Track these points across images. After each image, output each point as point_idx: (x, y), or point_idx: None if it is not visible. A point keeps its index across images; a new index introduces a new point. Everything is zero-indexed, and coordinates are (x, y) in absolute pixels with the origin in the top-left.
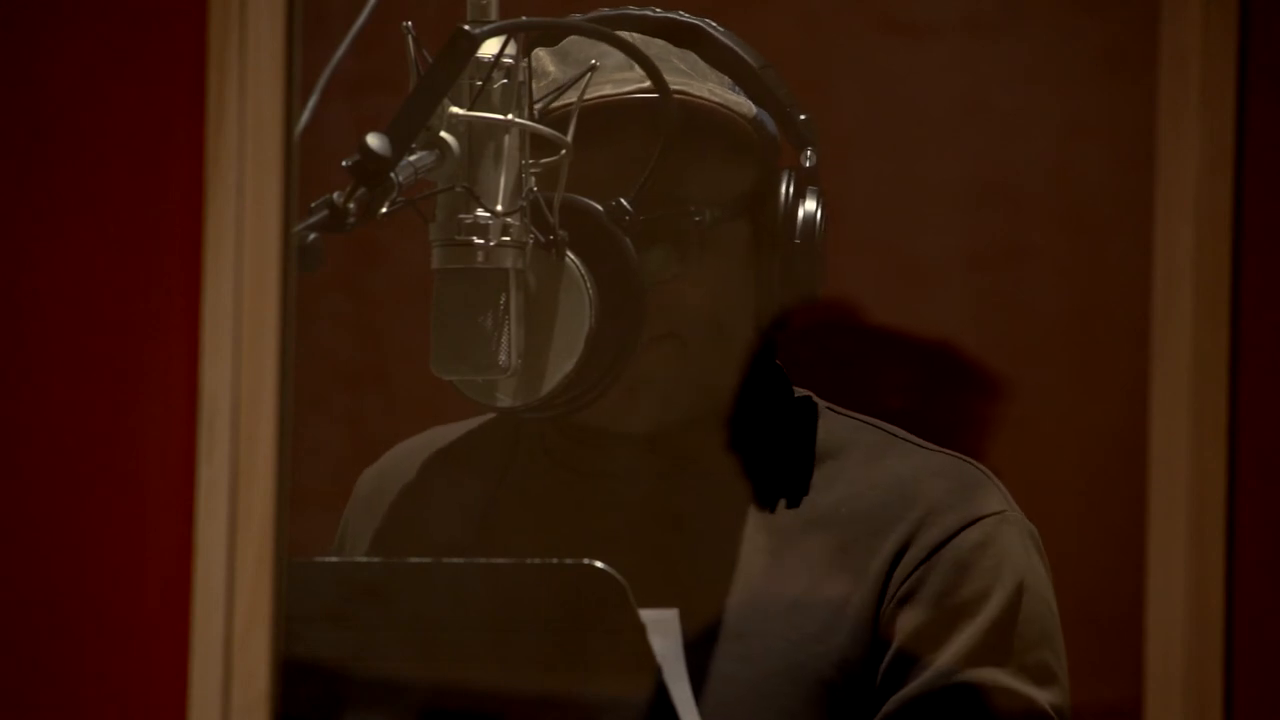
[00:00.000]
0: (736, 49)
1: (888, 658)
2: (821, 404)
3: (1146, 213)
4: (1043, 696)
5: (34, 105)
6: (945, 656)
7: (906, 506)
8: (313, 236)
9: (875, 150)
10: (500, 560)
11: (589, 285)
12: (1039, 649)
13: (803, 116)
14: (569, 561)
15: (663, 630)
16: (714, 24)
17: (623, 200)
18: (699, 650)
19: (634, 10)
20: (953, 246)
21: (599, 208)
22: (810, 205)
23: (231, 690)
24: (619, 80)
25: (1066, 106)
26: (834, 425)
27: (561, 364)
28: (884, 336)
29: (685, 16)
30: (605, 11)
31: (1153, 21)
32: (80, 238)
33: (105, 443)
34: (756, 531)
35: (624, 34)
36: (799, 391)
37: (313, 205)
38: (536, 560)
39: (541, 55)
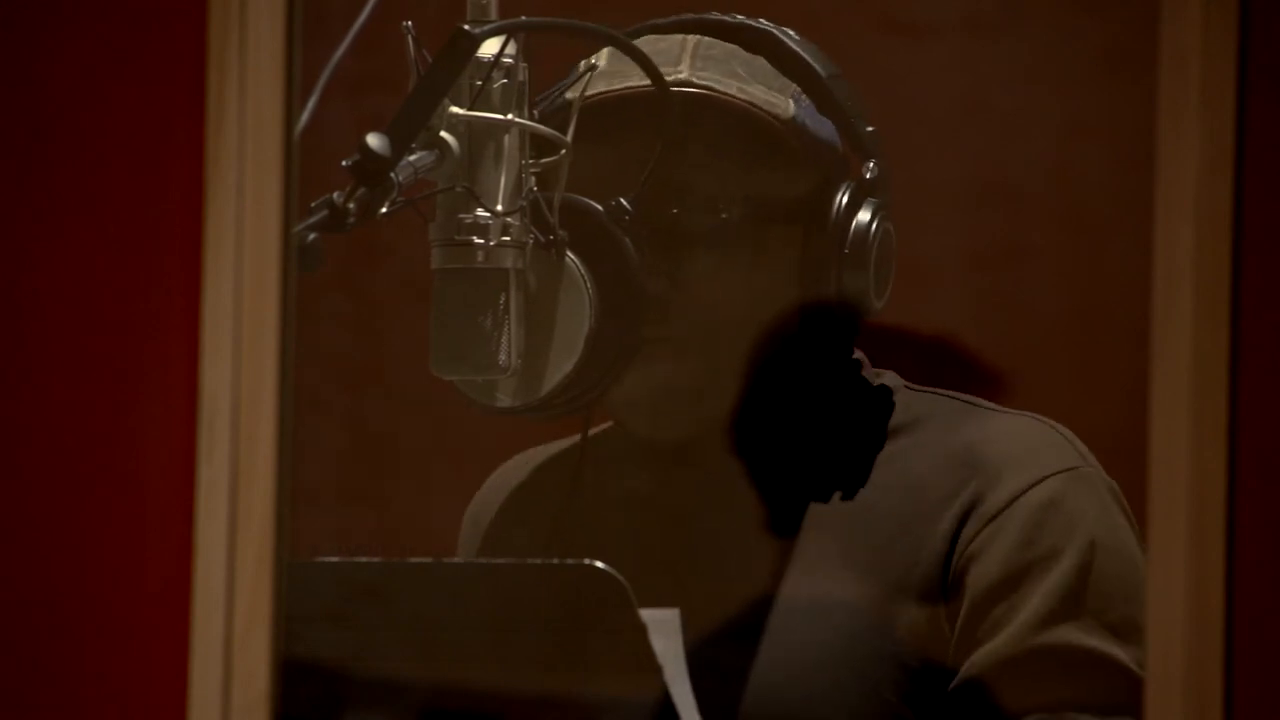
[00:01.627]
0: (806, 56)
1: (960, 618)
2: (900, 383)
3: (1146, 213)
4: (1125, 653)
5: (34, 105)
6: (1021, 617)
7: (975, 469)
8: (312, 236)
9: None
10: (500, 560)
11: (589, 285)
12: (1120, 605)
13: (869, 129)
14: (569, 561)
15: (663, 630)
16: (790, 31)
17: (623, 200)
18: (773, 629)
19: (713, 16)
20: (953, 246)
21: (599, 208)
22: (865, 216)
23: (231, 690)
24: (637, 77)
25: (1066, 106)
26: (910, 401)
27: (561, 364)
28: (884, 336)
29: (761, 23)
30: (687, 16)
31: (1153, 21)
32: (80, 238)
33: (105, 443)
34: (818, 509)
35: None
36: (882, 377)
37: (313, 205)
38: (536, 560)
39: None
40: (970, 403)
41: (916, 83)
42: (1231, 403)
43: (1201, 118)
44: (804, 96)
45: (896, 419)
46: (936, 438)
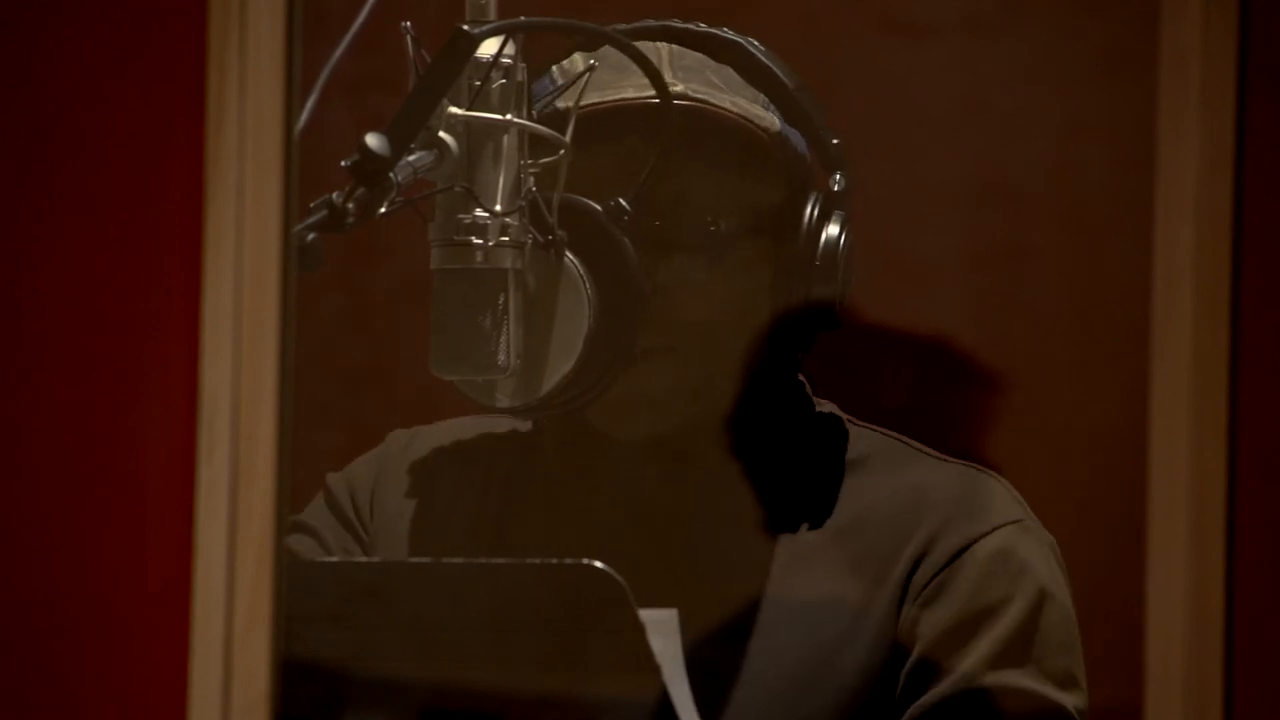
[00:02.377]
0: (774, 68)
1: (909, 663)
2: (843, 416)
3: (1146, 213)
4: (1067, 699)
5: (34, 105)
6: (968, 661)
7: (925, 514)
8: (312, 236)
9: (875, 150)
10: (500, 560)
11: (588, 285)
12: (1061, 655)
13: (835, 141)
14: (569, 561)
15: (662, 630)
16: (755, 42)
17: (621, 200)
18: (716, 655)
19: (678, 24)
20: (953, 246)
21: (598, 208)
22: (834, 229)
23: (231, 690)
24: (637, 85)
25: (1066, 106)
26: (854, 438)
27: (560, 364)
28: (884, 336)
29: (727, 33)
30: (649, 23)
31: (1153, 21)
32: (80, 238)
33: (105, 443)
34: (772, 539)
35: (643, 43)
36: (822, 405)
37: (312, 205)
38: (536, 560)
39: (578, 59)
40: (909, 444)
41: (916, 83)
42: (1231, 403)
43: (1201, 118)
44: (772, 107)
45: (849, 453)
46: (881, 479)
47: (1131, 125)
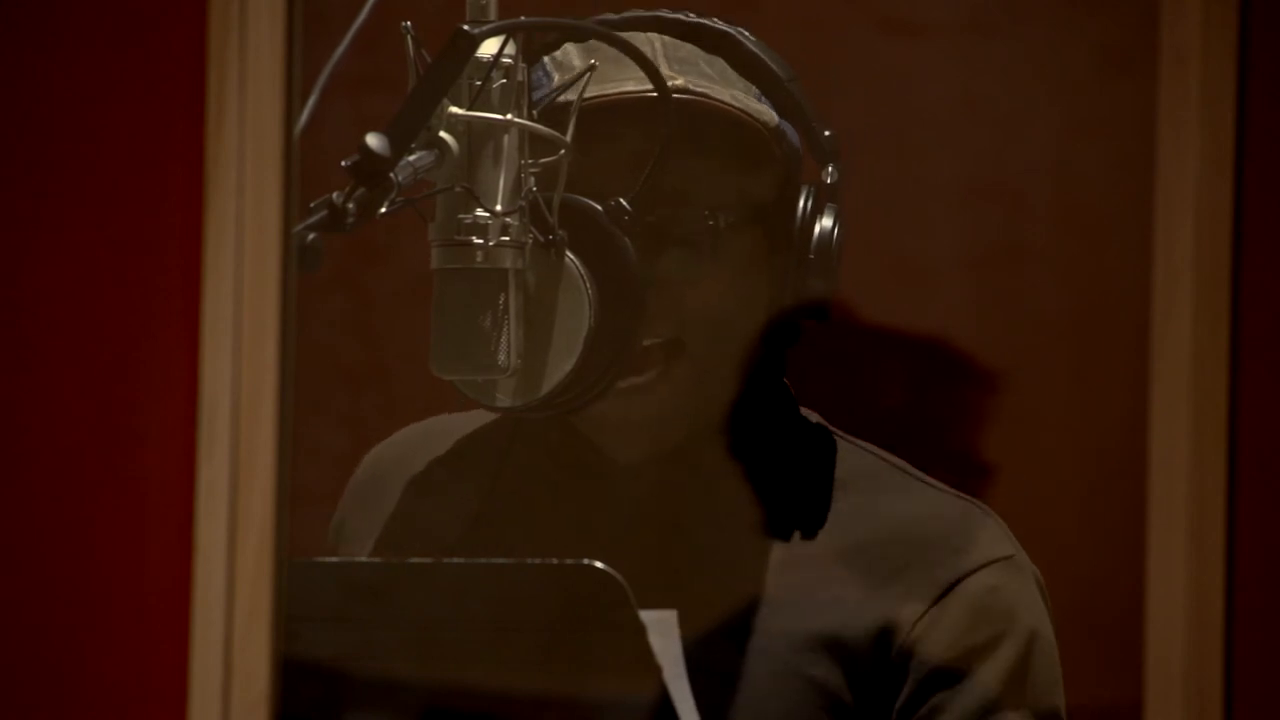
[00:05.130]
0: (766, 59)
1: (902, 697)
2: (834, 431)
3: (1146, 213)
4: None
5: (34, 105)
6: (963, 700)
7: (915, 546)
8: (312, 236)
9: (875, 150)
10: (500, 560)
11: (588, 285)
12: (1051, 695)
13: (827, 132)
14: (569, 562)
15: (663, 630)
16: (745, 33)
17: (622, 200)
18: (710, 656)
19: (667, 13)
20: (953, 246)
21: (598, 208)
22: (827, 222)
23: (231, 690)
24: (637, 79)
25: (1066, 106)
26: (844, 454)
27: (561, 364)
28: (884, 336)
29: (717, 23)
30: (639, 13)
31: (1153, 21)
32: (80, 238)
33: (105, 443)
34: (766, 542)
35: (636, 35)
36: (811, 416)
37: (312, 205)
38: (536, 560)
39: (570, 50)
40: (899, 466)
41: (916, 83)
42: (1231, 403)
43: (1201, 118)
44: (764, 99)
45: (838, 470)
46: (870, 500)
47: (1131, 125)
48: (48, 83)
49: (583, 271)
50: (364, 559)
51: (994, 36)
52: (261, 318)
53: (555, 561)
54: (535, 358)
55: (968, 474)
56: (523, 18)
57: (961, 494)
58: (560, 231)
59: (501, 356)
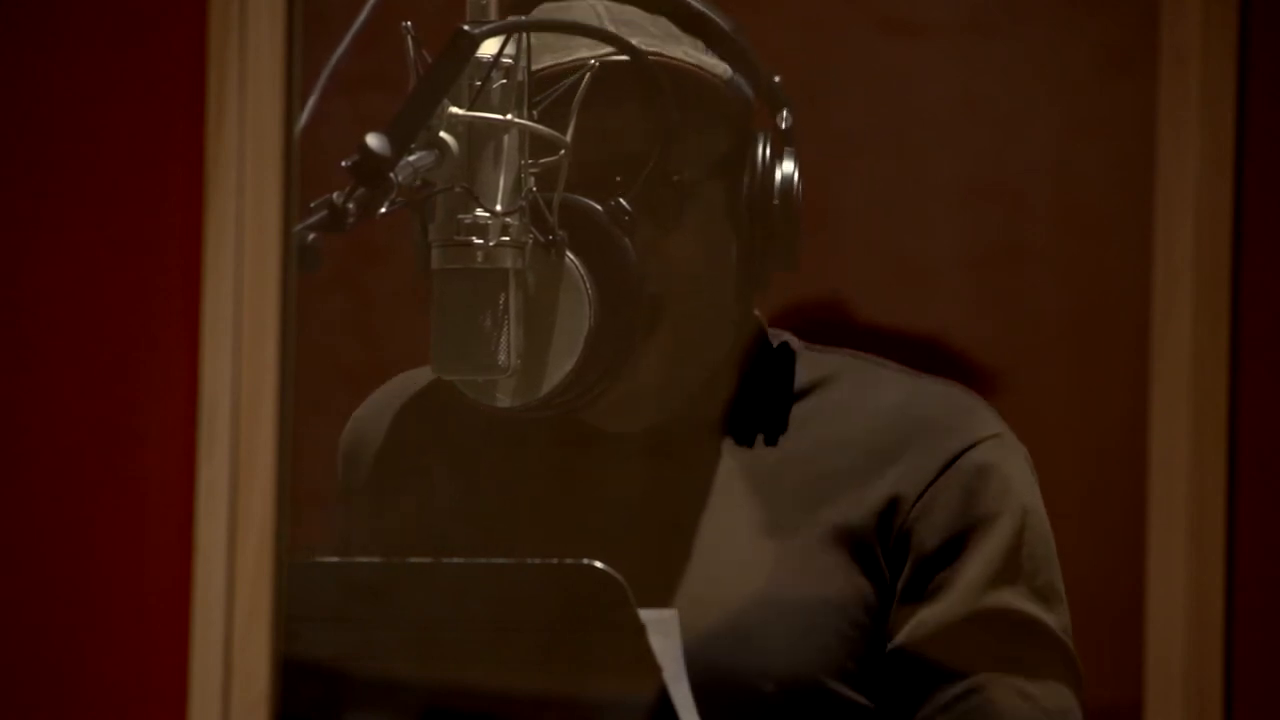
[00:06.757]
0: (708, 12)
1: (904, 577)
2: (800, 343)
3: (1146, 213)
4: (1051, 620)
5: (34, 105)
6: (963, 580)
7: (904, 431)
8: (312, 236)
9: (875, 150)
10: (500, 560)
11: (588, 285)
12: (1046, 570)
13: (776, 79)
14: (569, 561)
15: (663, 630)
16: None
17: (622, 200)
18: (703, 589)
19: None
20: (953, 246)
21: (598, 208)
22: (788, 167)
23: (231, 690)
24: (589, 44)
25: (1066, 106)
26: (816, 360)
27: (561, 364)
28: (884, 336)
29: None
30: None
31: (1153, 21)
32: (80, 238)
33: (105, 443)
34: (741, 472)
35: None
36: (778, 336)
37: (312, 205)
38: (536, 560)
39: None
40: (875, 361)
41: (916, 83)
42: (1231, 403)
43: (1201, 118)
44: (711, 52)
45: (808, 377)
46: (853, 394)
47: (1131, 125)
48: (48, 83)
49: (583, 271)
50: (364, 559)
51: (994, 36)
52: (261, 318)
53: (555, 561)
54: (535, 358)
55: None
56: (523, 18)
57: (941, 379)
58: (560, 231)
59: (501, 356)
